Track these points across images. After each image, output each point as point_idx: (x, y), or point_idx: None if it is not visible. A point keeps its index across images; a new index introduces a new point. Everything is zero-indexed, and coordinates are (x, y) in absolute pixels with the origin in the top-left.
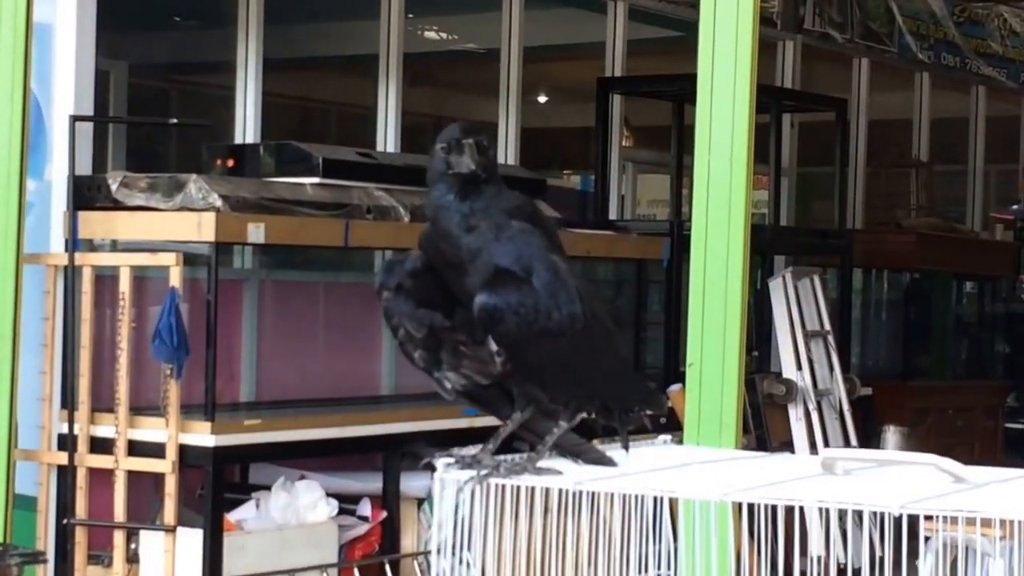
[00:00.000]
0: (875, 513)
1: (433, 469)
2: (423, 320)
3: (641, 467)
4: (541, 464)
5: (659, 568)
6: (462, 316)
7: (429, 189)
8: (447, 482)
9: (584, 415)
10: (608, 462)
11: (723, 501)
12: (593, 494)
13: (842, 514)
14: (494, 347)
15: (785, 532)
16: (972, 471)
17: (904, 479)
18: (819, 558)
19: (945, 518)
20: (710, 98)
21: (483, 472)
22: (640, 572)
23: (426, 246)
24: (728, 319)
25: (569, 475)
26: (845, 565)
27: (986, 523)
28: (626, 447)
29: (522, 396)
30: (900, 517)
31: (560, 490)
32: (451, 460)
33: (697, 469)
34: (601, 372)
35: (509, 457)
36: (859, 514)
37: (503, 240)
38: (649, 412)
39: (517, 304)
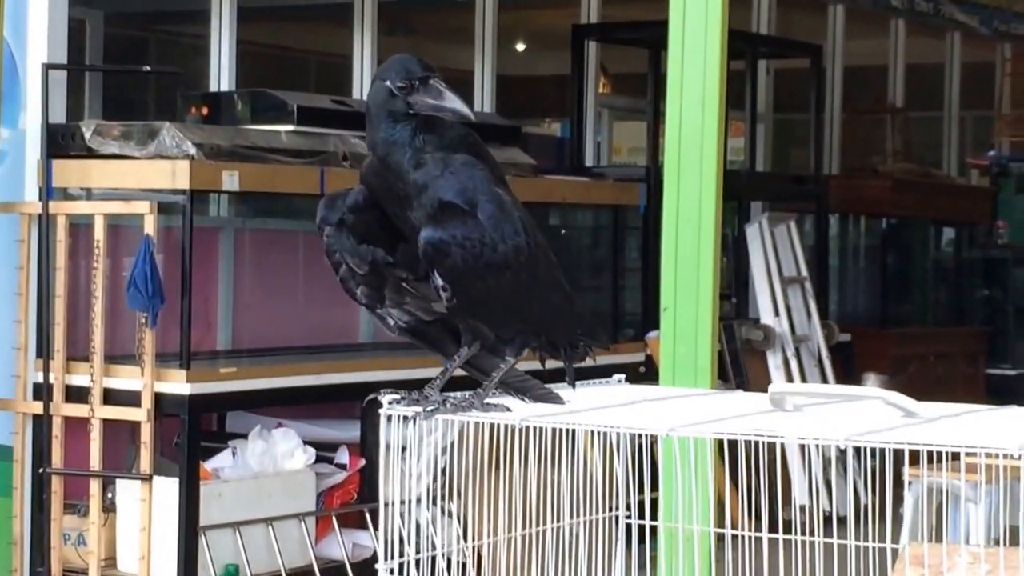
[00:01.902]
0: (857, 460)
1: (379, 405)
2: (365, 256)
3: (590, 404)
4: (488, 400)
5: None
6: (405, 251)
7: (373, 125)
8: (394, 417)
9: (528, 351)
10: (555, 399)
11: (668, 436)
12: (574, 441)
13: (826, 463)
14: (440, 282)
15: (769, 479)
16: (923, 406)
17: (854, 414)
18: (803, 507)
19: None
20: (681, 43)
21: (429, 408)
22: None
23: (369, 179)
24: (701, 263)
25: (516, 412)
26: (830, 513)
27: (968, 467)
28: (572, 384)
29: (468, 332)
30: (884, 457)
31: (540, 432)
32: (397, 396)
33: (647, 406)
34: (546, 305)
35: (456, 393)
36: (843, 463)
37: (447, 174)
38: (593, 346)
39: (462, 238)
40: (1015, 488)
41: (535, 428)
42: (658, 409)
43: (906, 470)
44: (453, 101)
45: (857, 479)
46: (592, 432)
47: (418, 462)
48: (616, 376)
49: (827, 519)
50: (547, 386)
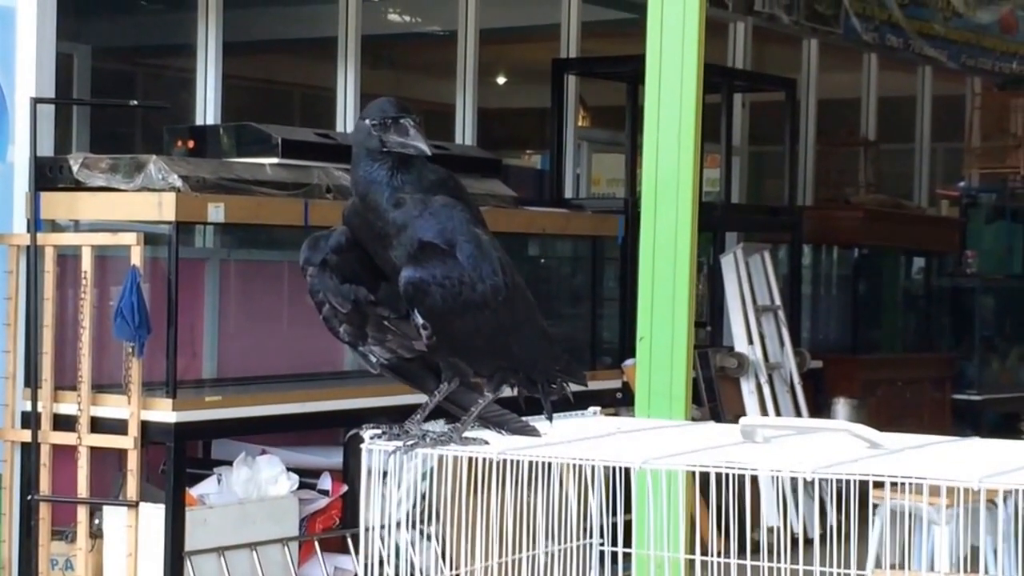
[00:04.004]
0: (826, 483)
1: (361, 440)
2: (348, 295)
3: (565, 437)
4: (467, 434)
5: (600, 536)
6: (386, 290)
7: (354, 163)
8: (374, 452)
9: (507, 387)
10: (532, 432)
11: (641, 469)
12: (550, 472)
13: (795, 485)
14: (420, 320)
15: (739, 502)
16: (887, 437)
17: (822, 446)
18: (774, 528)
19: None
20: (659, 77)
21: (409, 442)
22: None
23: (351, 219)
24: (677, 293)
25: (494, 445)
26: (798, 535)
27: (931, 490)
28: (549, 417)
29: (448, 368)
30: (849, 484)
31: (516, 464)
32: (378, 431)
33: (621, 438)
34: (524, 343)
35: (435, 428)
36: (811, 487)
37: (427, 215)
38: (570, 382)
39: (442, 277)
40: (977, 511)
41: (512, 461)
42: (632, 441)
43: (872, 494)
44: (416, 139)
45: (825, 499)
46: (568, 464)
47: (399, 488)
48: (591, 408)
49: (795, 541)
50: (524, 419)
